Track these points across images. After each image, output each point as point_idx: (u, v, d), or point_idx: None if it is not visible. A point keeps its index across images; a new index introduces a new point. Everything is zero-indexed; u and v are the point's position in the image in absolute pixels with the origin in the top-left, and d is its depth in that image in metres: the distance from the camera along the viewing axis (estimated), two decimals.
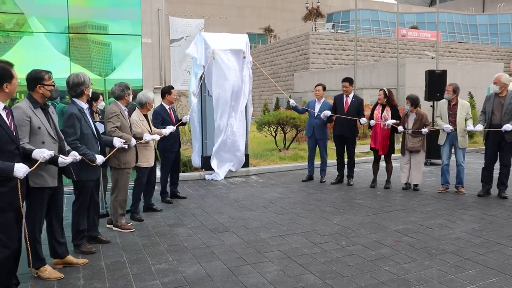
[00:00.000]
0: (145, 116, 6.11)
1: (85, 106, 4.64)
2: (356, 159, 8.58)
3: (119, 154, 5.27)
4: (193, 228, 5.63)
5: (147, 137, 5.76)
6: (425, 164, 10.39)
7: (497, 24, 44.55)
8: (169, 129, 6.39)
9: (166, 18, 18.97)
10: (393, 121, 7.58)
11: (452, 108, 7.30)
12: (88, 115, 4.69)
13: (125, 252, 4.74)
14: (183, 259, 4.54)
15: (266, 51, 39.38)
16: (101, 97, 6.47)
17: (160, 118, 6.80)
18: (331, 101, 8.62)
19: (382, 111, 7.73)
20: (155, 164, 6.31)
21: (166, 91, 7.00)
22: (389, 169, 7.95)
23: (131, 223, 5.66)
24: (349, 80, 8.21)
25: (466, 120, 7.20)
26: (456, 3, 59.04)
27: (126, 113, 5.53)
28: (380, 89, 7.90)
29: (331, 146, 8.65)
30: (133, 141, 5.41)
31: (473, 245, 4.83)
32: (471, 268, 4.17)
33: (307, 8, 42.66)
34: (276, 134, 12.15)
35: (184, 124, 7.31)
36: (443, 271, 4.12)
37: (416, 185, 7.62)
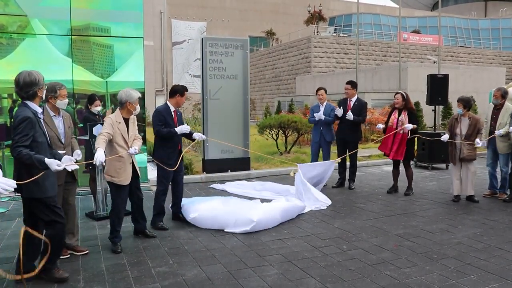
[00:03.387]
0: (125, 120, 4.97)
1: (39, 110, 3.93)
2: (357, 163, 8.55)
3: None
4: (194, 231, 5.61)
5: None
6: (427, 168, 10.39)
7: (499, 28, 44.57)
8: (133, 150, 4.88)
9: (168, 20, 19.03)
10: (411, 126, 7.25)
11: (496, 113, 7.07)
12: (42, 121, 3.96)
13: (125, 255, 4.73)
14: (184, 262, 4.53)
15: (268, 54, 39.41)
16: (97, 101, 6.50)
17: (163, 120, 5.66)
18: (334, 104, 8.63)
19: (399, 116, 7.43)
20: (134, 185, 5.05)
21: (179, 91, 5.75)
22: (409, 175, 7.65)
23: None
24: (351, 83, 8.21)
25: (508, 124, 6.82)
26: (458, 8, 59.13)
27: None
28: (397, 93, 7.58)
29: (333, 149, 8.63)
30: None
31: (475, 250, 4.81)
32: (472, 273, 4.15)
33: (309, 11, 42.67)
34: (277, 138, 12.16)
35: (193, 140, 6.12)
36: (444, 276, 4.11)
37: (471, 196, 6.98)
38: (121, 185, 4.89)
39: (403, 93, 7.55)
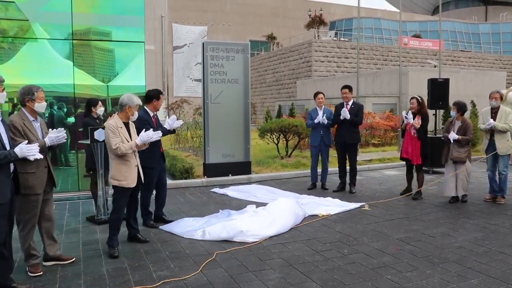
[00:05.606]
0: (126, 124, 4.93)
1: None
2: (358, 167, 8.55)
3: (22, 175, 4.06)
4: None
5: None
6: (427, 172, 10.38)
7: (500, 33, 44.61)
8: (145, 137, 4.86)
9: (169, 25, 19.07)
10: (411, 119, 7.28)
11: (494, 116, 7.12)
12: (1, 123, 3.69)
13: (127, 259, 4.73)
14: (185, 266, 4.53)
15: (268, 58, 39.46)
16: (100, 102, 6.52)
17: (147, 125, 5.68)
18: (332, 108, 8.65)
19: (413, 119, 7.45)
20: (139, 189, 5.13)
21: (154, 96, 5.92)
22: (419, 179, 7.65)
23: (40, 270, 4.33)
24: (348, 87, 8.23)
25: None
26: (458, 12, 59.22)
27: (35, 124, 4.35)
28: (413, 97, 7.60)
29: (332, 154, 8.64)
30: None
31: (476, 254, 4.81)
32: (473, 277, 4.15)
33: (310, 15, 42.76)
34: (278, 142, 12.15)
35: (173, 132, 6.22)
36: (445, 280, 4.10)
37: (464, 196, 7.16)
38: (127, 187, 4.88)
39: (418, 97, 7.58)
